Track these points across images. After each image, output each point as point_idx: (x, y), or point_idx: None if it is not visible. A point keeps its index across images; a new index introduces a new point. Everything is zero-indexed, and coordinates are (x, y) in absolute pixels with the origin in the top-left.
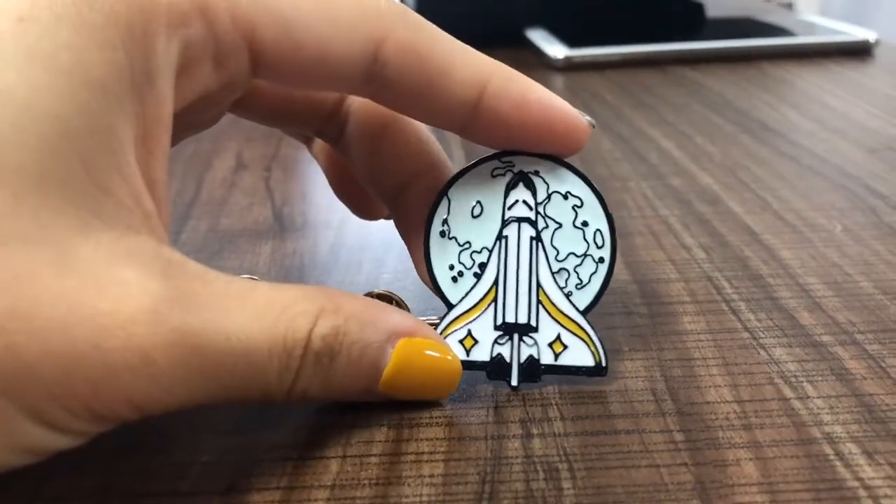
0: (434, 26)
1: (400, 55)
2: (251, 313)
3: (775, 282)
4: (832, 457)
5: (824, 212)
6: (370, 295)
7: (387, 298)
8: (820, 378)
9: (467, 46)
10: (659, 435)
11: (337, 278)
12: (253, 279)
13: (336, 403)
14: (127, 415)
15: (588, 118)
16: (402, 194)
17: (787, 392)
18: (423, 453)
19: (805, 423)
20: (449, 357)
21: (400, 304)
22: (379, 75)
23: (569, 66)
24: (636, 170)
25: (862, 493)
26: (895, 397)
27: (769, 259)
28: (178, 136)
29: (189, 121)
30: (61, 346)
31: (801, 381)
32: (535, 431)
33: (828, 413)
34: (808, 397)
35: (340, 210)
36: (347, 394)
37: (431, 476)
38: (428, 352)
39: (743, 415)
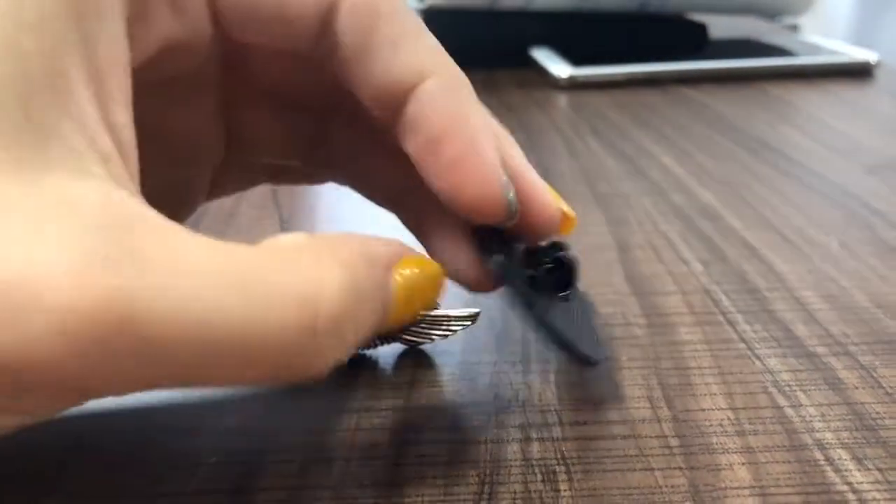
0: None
1: (354, 8)
2: (212, 283)
3: (772, 295)
4: (822, 462)
5: (822, 228)
6: None
7: None
8: (813, 387)
9: (429, 33)
10: (654, 440)
11: None
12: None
13: (341, 407)
14: (70, 399)
15: (511, 196)
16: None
17: (781, 400)
18: (424, 456)
19: (797, 430)
20: (430, 263)
21: None
22: (330, 32)
23: (573, 85)
24: (638, 186)
25: (851, 496)
26: (885, 406)
27: (767, 273)
28: (156, 92)
29: (161, 74)
30: None
31: (795, 390)
32: (533, 436)
33: (819, 421)
34: (801, 405)
35: (345, 223)
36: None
37: (433, 478)
38: (417, 268)
39: (737, 422)
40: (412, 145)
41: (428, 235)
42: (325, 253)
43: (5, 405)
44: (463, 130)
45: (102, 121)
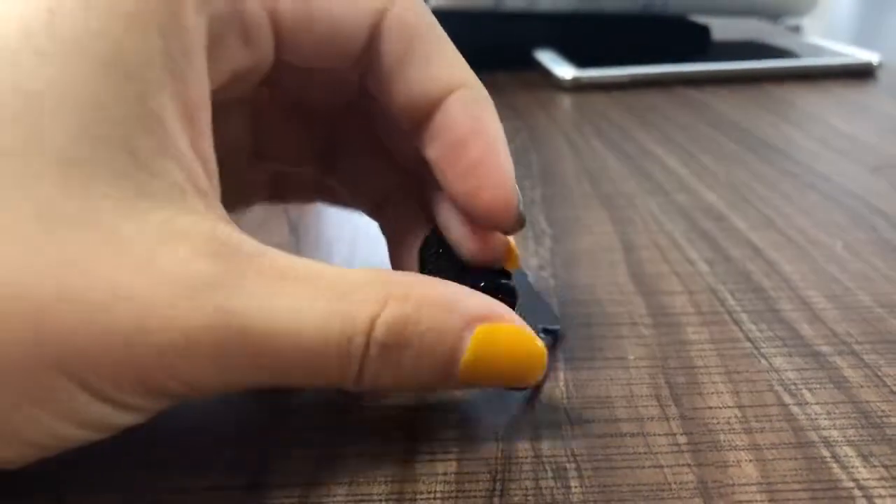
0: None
1: (396, 28)
2: (306, 296)
3: (777, 294)
4: (829, 459)
5: (826, 229)
6: None
7: None
8: (818, 386)
9: (452, 44)
10: (663, 438)
11: None
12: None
13: (351, 403)
14: (181, 391)
15: (521, 209)
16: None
17: (787, 398)
18: (436, 452)
19: (803, 428)
20: (533, 343)
21: None
22: (373, 49)
23: (576, 87)
24: (642, 186)
25: (857, 493)
26: (890, 404)
27: (771, 273)
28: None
29: (221, 98)
30: (107, 327)
31: (800, 389)
32: (544, 433)
33: (825, 418)
34: (807, 403)
35: (353, 225)
36: (424, 384)
37: (445, 474)
38: (510, 338)
39: (744, 419)
40: (436, 149)
41: (400, 244)
42: (394, 286)
43: (134, 404)
44: (484, 136)
45: (196, 155)
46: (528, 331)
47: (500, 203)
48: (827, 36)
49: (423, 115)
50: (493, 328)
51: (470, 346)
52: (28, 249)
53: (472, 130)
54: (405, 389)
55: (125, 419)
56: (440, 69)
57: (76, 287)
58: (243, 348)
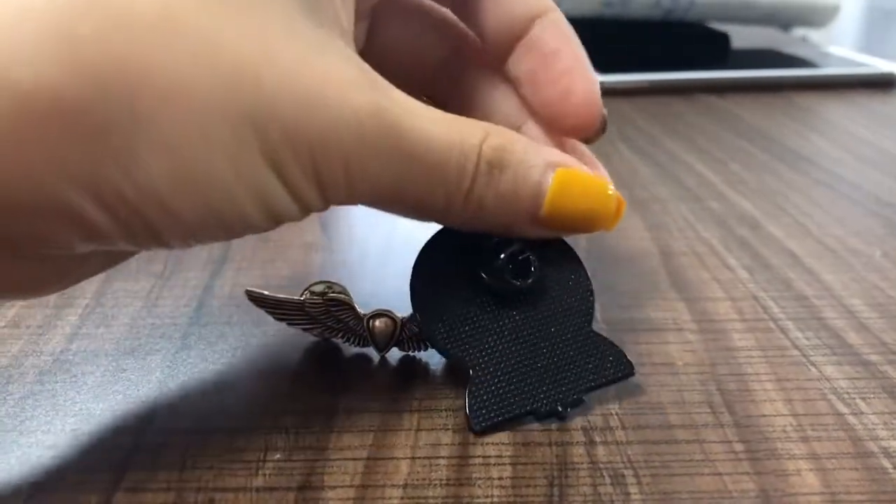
0: None
1: None
2: (433, 118)
3: (820, 302)
4: (891, 470)
5: (862, 237)
6: (311, 289)
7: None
8: (872, 395)
9: None
10: (719, 445)
11: (390, 284)
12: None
13: (399, 408)
14: (339, 183)
15: (605, 113)
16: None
17: (841, 408)
18: (489, 457)
19: (861, 438)
20: (605, 187)
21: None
22: None
23: None
24: (674, 193)
25: None
26: None
27: (812, 281)
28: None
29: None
30: (296, 90)
31: (854, 398)
32: (597, 439)
33: (883, 429)
34: (862, 413)
35: (385, 224)
36: (514, 217)
37: (500, 479)
38: (585, 181)
39: (799, 428)
40: (528, 62)
41: (475, 89)
42: (491, 126)
43: (292, 176)
44: (575, 49)
45: (345, 5)
46: (603, 178)
47: (588, 105)
48: (832, 46)
49: (515, 36)
50: (570, 172)
51: (552, 184)
52: (270, 38)
53: (563, 43)
54: (500, 222)
55: (283, 206)
56: None
57: (270, 50)
58: (391, 140)
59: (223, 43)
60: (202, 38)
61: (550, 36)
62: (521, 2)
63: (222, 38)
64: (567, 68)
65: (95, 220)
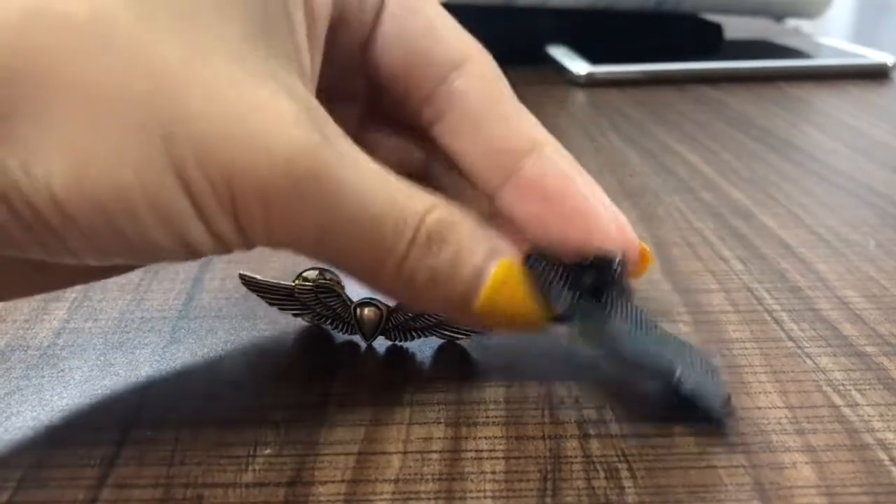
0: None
1: (476, 75)
2: (377, 174)
3: (814, 294)
4: (887, 462)
5: (856, 227)
6: (303, 275)
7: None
8: (868, 387)
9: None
10: (713, 438)
11: None
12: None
13: (390, 401)
14: (257, 220)
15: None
16: None
17: (837, 399)
18: (482, 451)
19: (857, 430)
20: (540, 315)
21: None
22: (452, 89)
23: (591, 83)
24: (666, 183)
25: None
26: None
27: (806, 272)
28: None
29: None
30: (216, 111)
31: (849, 390)
32: (591, 432)
33: (878, 421)
34: (858, 405)
35: None
36: (445, 301)
37: (493, 472)
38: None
39: (794, 420)
40: (527, 205)
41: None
42: (439, 199)
43: (204, 200)
44: (580, 187)
45: (306, 42)
46: (536, 307)
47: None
48: (824, 36)
49: (511, 170)
50: (514, 268)
51: (492, 275)
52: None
53: (567, 183)
54: (431, 301)
55: (200, 239)
56: (521, 123)
57: (201, 75)
58: (321, 184)
59: (148, 52)
60: (127, 44)
61: (552, 176)
62: (511, 135)
63: (149, 47)
64: (579, 209)
65: None
